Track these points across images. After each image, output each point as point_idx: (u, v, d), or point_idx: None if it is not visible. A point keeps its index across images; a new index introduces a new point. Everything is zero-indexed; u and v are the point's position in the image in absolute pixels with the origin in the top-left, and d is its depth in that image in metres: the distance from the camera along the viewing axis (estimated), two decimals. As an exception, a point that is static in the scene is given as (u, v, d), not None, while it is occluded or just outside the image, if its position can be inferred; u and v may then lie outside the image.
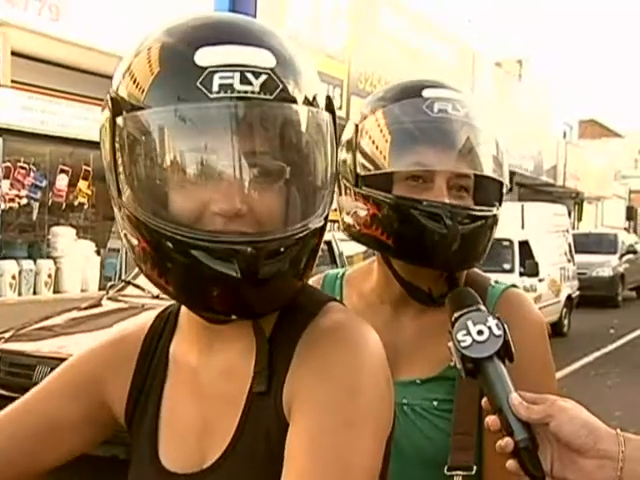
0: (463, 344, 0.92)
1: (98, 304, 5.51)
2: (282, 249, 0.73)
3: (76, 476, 4.42)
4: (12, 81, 7.27)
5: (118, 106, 0.75)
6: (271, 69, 0.73)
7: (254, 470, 0.78)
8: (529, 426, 0.86)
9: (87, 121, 8.73)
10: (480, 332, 0.92)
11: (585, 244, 15.87)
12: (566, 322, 11.61)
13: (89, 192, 9.34)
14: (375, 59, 11.74)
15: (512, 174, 17.72)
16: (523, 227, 10.69)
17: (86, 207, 9.46)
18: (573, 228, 17.11)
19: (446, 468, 1.07)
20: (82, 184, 9.22)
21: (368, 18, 11.90)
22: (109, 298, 5.59)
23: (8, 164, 8.43)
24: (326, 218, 0.78)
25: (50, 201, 8.97)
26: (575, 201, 25.28)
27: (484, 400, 0.91)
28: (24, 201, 8.69)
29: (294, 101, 0.74)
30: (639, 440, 0.85)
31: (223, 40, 0.73)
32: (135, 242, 0.76)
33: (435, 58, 13.70)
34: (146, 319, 0.94)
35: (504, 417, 0.87)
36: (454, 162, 1.09)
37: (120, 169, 0.75)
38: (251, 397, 0.80)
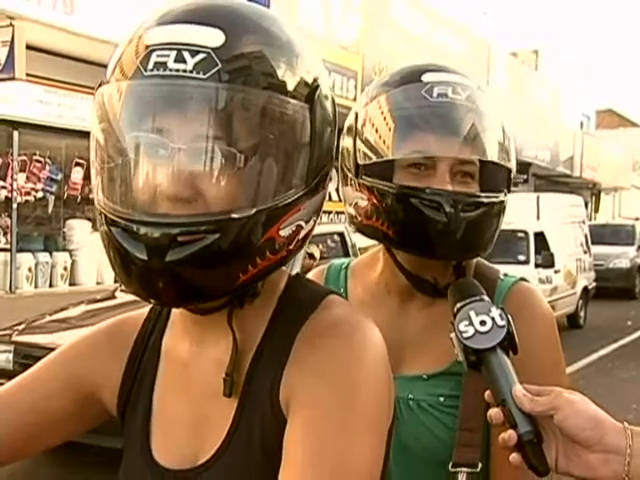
0: (465, 335, 0.90)
1: (112, 296, 5.54)
2: (191, 235, 0.69)
3: (76, 466, 4.46)
4: (27, 75, 7.30)
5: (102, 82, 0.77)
6: (213, 49, 0.70)
7: (249, 466, 0.76)
8: (533, 419, 0.84)
9: (102, 114, 8.76)
10: (483, 322, 0.90)
11: (602, 235, 15.73)
12: (582, 314, 11.48)
13: (104, 185, 9.39)
14: (389, 51, 11.67)
15: (528, 165, 17.60)
16: (539, 218, 10.58)
17: (101, 200, 9.50)
18: (590, 219, 16.98)
19: (450, 464, 1.04)
20: (97, 177, 9.27)
21: (381, 9, 11.83)
22: (122, 290, 5.61)
23: (24, 157, 8.49)
24: (275, 211, 0.73)
25: (66, 194, 9.03)
26: (592, 192, 25.06)
27: (487, 393, 0.88)
28: (40, 194, 8.75)
29: (232, 82, 0.70)
30: None
31: (176, 20, 0.73)
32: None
33: (449, 49, 13.61)
34: (140, 311, 0.92)
35: (507, 409, 0.84)
36: (456, 147, 1.04)
37: (98, 145, 0.76)
38: (245, 393, 0.78)
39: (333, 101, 0.81)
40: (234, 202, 0.71)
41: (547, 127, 18.34)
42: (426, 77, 1.07)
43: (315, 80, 0.77)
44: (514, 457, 0.83)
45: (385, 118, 1.07)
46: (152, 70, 0.70)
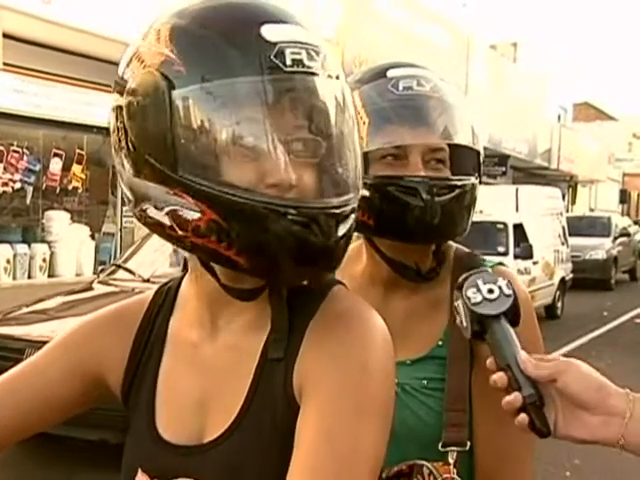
0: (473, 300, 0.92)
1: (89, 288, 5.50)
2: (349, 213, 0.78)
3: (67, 461, 4.46)
4: (4, 64, 7.22)
5: (170, 82, 0.74)
6: (320, 47, 0.77)
7: (257, 448, 0.79)
8: (535, 384, 0.87)
9: (80, 104, 8.69)
10: (490, 290, 0.93)
11: (579, 227, 15.91)
12: (559, 305, 11.62)
13: (83, 176, 9.31)
14: (369, 43, 11.69)
15: (506, 157, 17.74)
16: (517, 210, 10.68)
17: (80, 191, 9.44)
18: (567, 211, 17.14)
19: (440, 444, 1.08)
20: (76, 168, 9.19)
21: (362, 1, 11.83)
22: (100, 282, 5.58)
23: (1, 148, 8.40)
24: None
25: (44, 185, 8.95)
26: (569, 184, 25.32)
27: (489, 360, 0.92)
28: (18, 185, 8.66)
29: (339, 79, 0.79)
30: None
31: (279, 19, 0.76)
32: (195, 216, 0.74)
33: (429, 42, 13.65)
34: (145, 294, 0.95)
35: (511, 374, 0.88)
36: (426, 136, 1.10)
37: (179, 145, 0.74)
38: (259, 375, 0.81)
39: None
40: (356, 184, 0.81)
41: (525, 120, 18.49)
42: (390, 73, 1.13)
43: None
44: (522, 417, 0.86)
45: (360, 112, 1.12)
46: (292, 66, 0.74)
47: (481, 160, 1.19)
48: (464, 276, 0.96)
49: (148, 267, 5.42)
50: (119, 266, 5.67)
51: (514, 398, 0.87)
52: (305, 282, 0.81)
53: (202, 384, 0.85)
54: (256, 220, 0.73)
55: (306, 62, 0.74)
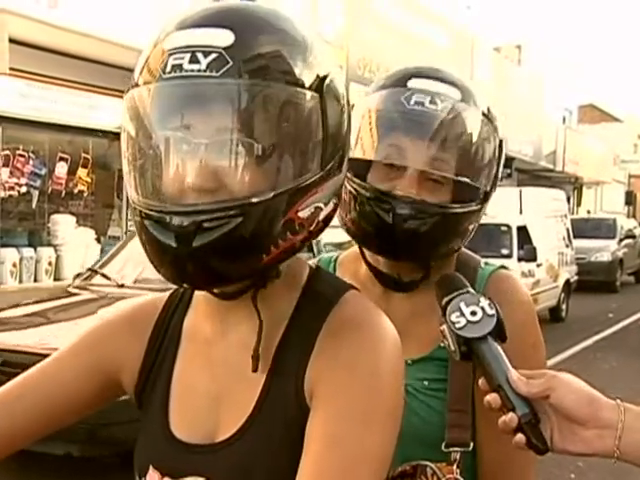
0: (457, 325, 0.93)
1: (66, 294, 5.39)
2: (216, 221, 0.74)
3: (30, 474, 4.39)
4: (10, 69, 7.25)
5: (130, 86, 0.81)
6: (225, 48, 0.75)
7: (270, 447, 0.80)
8: (529, 401, 0.88)
9: (85, 108, 8.72)
10: (473, 313, 0.94)
11: (584, 229, 15.88)
12: (564, 307, 11.56)
13: (88, 180, 9.35)
14: (373, 45, 11.70)
15: (511, 160, 17.70)
16: (521, 212, 10.65)
17: (86, 195, 9.47)
18: (572, 213, 17.10)
19: (443, 445, 1.09)
20: (81, 172, 9.23)
21: (364, 3, 11.85)
22: (76, 287, 5.46)
23: (7, 152, 8.44)
24: (292, 194, 0.78)
25: (50, 189, 8.99)
26: (574, 186, 25.26)
27: (481, 380, 0.93)
28: (24, 189, 8.70)
29: (242, 77, 0.75)
30: (638, 410, 0.87)
31: (191, 24, 0.78)
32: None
33: (434, 44, 13.66)
34: (160, 295, 0.96)
35: (504, 394, 0.89)
36: (427, 154, 1.09)
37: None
38: (270, 378, 0.82)
39: (347, 90, 0.86)
40: (254, 188, 0.76)
41: (530, 122, 18.46)
42: (411, 83, 1.13)
43: (325, 72, 0.81)
44: (519, 438, 0.87)
45: (366, 118, 1.14)
46: (170, 72, 0.75)
47: (484, 190, 1.16)
48: (446, 300, 0.97)
49: (127, 272, 5.31)
50: (95, 271, 5.57)
51: (510, 419, 0.87)
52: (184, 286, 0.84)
53: (215, 384, 0.86)
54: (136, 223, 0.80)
55: (185, 66, 0.75)
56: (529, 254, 9.63)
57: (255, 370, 0.82)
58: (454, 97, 1.12)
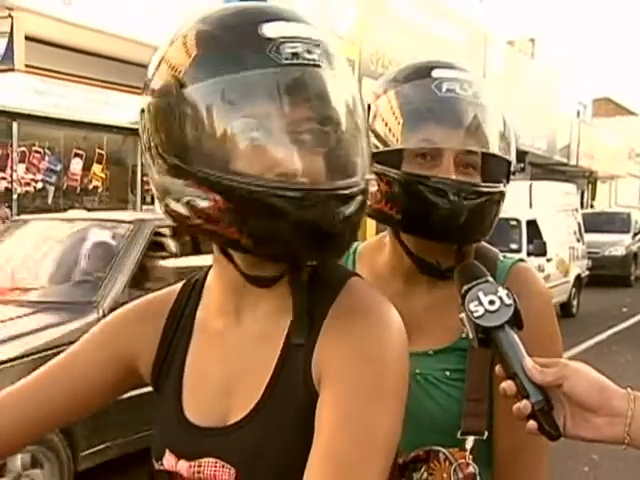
0: (476, 314, 0.96)
1: None
2: (355, 194, 0.81)
3: None
4: (26, 65, 7.32)
5: (180, 82, 0.80)
6: (322, 42, 0.82)
7: (280, 429, 0.83)
8: (543, 389, 0.91)
9: (100, 105, 8.79)
10: (491, 302, 0.96)
11: (598, 223, 15.79)
12: (575, 303, 11.40)
13: (103, 175, 9.43)
14: (386, 40, 11.69)
15: (525, 154, 17.62)
16: (531, 206, 10.51)
17: (100, 190, 9.55)
18: (587, 207, 16.96)
19: (459, 433, 1.12)
20: (96, 167, 9.30)
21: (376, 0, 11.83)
22: None
23: (23, 148, 8.52)
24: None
25: (65, 185, 9.07)
26: (589, 180, 25.12)
27: (498, 367, 0.95)
28: (39, 185, 8.78)
29: (343, 71, 0.83)
30: None
31: (280, 17, 0.82)
32: (206, 204, 0.80)
33: (446, 38, 13.62)
34: (173, 287, 1.00)
35: (519, 382, 0.91)
36: (461, 140, 1.13)
37: (191, 139, 0.80)
38: (280, 363, 0.85)
39: (360, 84, 0.95)
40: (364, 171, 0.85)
41: (544, 116, 18.37)
42: (436, 73, 1.15)
43: None
44: (531, 424, 0.90)
45: (396, 111, 1.16)
46: (288, 59, 0.79)
47: (512, 168, 1.21)
48: (465, 288, 1.00)
49: None
50: None
51: (523, 406, 0.90)
52: (314, 263, 0.84)
53: (227, 369, 0.89)
54: (260, 205, 0.77)
55: (304, 55, 0.79)
56: (539, 249, 9.52)
57: (301, 344, 0.84)
58: (477, 82, 1.17)
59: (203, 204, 0.80)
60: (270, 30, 0.79)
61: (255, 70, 0.78)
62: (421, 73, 1.16)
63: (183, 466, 0.88)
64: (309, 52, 0.80)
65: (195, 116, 0.79)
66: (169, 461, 0.89)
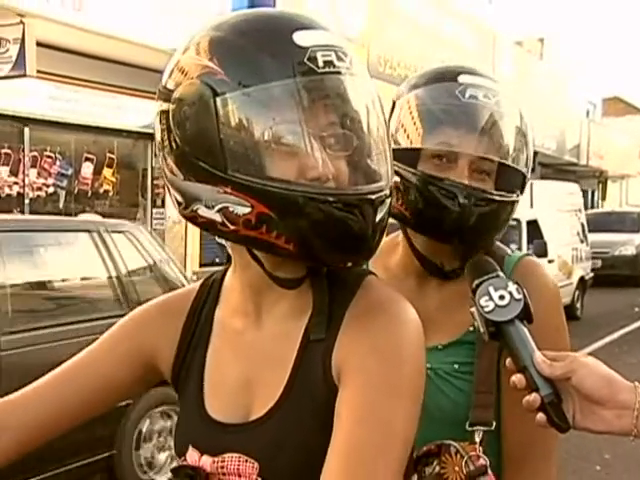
0: (486, 309, 0.98)
1: None
2: (384, 199, 0.84)
3: None
4: (38, 71, 7.37)
5: (213, 90, 0.81)
6: (347, 49, 0.84)
7: (300, 425, 0.85)
8: (552, 382, 0.93)
9: (111, 109, 8.85)
10: (502, 297, 0.98)
11: (608, 223, 15.73)
12: (579, 305, 11.13)
13: (114, 179, 9.47)
14: (394, 42, 11.69)
15: (534, 154, 17.45)
16: (532, 206, 10.21)
17: (111, 194, 9.59)
18: (597, 207, 16.81)
19: (467, 424, 1.15)
20: (107, 172, 9.35)
21: (386, 0, 11.84)
22: None
23: (35, 153, 8.58)
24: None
25: (76, 189, 9.11)
26: (599, 180, 24.99)
27: (508, 360, 0.98)
28: (51, 189, 8.84)
29: (365, 77, 0.86)
30: None
31: (309, 26, 0.84)
32: (245, 210, 0.81)
33: (455, 39, 13.60)
34: (191, 286, 1.02)
35: (529, 375, 0.94)
36: (478, 146, 1.16)
37: (227, 147, 0.80)
38: (300, 359, 0.87)
39: None
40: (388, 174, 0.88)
41: (553, 116, 18.31)
42: (462, 78, 1.18)
43: None
44: (540, 417, 0.92)
45: (418, 110, 1.19)
46: (324, 67, 0.81)
47: (526, 180, 1.23)
48: (476, 283, 1.02)
49: None
50: None
51: (533, 399, 0.92)
52: (348, 264, 0.86)
53: (247, 367, 0.92)
54: (301, 209, 0.80)
55: (336, 63, 0.81)
56: (539, 249, 9.29)
57: (321, 339, 0.86)
58: (500, 91, 1.20)
59: (242, 210, 0.81)
60: (302, 39, 0.81)
61: (293, 79, 0.80)
62: (448, 76, 1.19)
63: (206, 461, 0.90)
64: (340, 59, 0.82)
65: (232, 124, 0.80)
66: (192, 456, 0.92)
